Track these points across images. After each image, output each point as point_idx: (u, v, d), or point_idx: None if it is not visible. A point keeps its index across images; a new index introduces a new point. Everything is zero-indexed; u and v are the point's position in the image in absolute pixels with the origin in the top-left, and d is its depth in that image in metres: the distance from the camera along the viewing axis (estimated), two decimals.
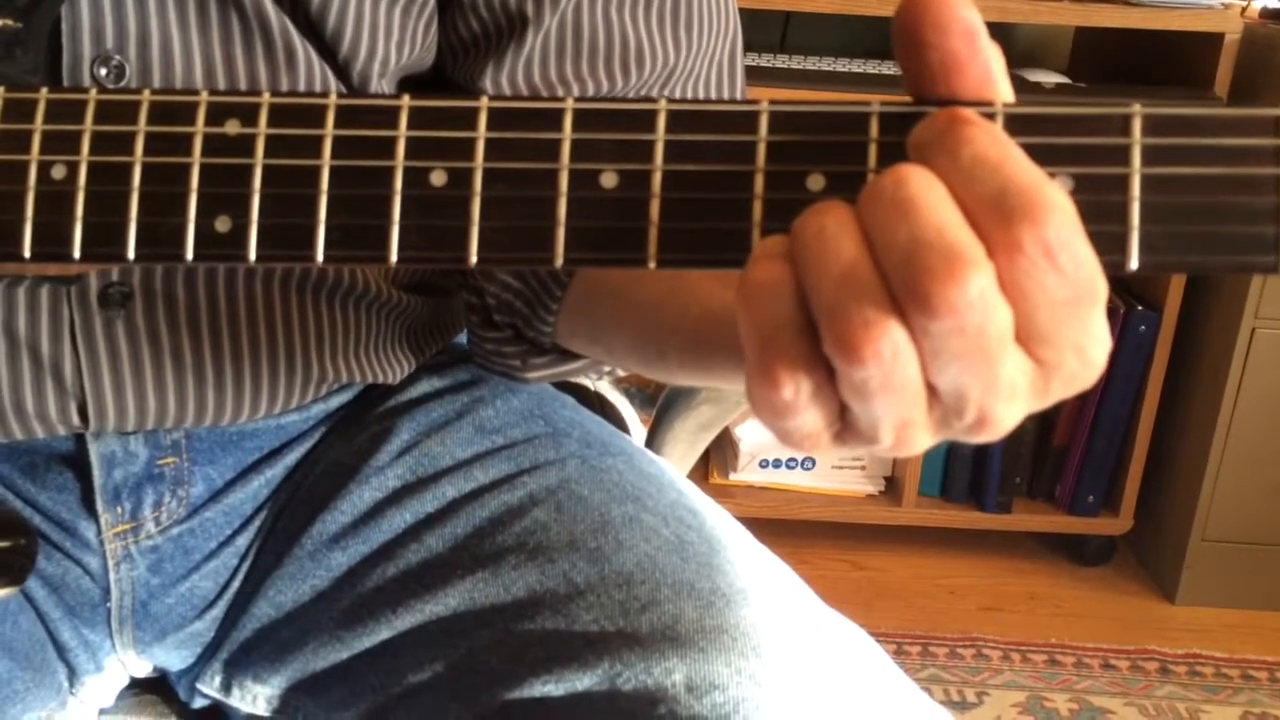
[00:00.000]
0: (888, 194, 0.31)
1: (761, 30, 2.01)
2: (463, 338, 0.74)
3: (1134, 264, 0.32)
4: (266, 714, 0.63)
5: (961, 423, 0.33)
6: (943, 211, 0.31)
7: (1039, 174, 0.31)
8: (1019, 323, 0.31)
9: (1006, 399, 0.32)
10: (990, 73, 0.33)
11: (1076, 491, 1.93)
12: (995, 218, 0.31)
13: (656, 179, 0.35)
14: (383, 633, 0.59)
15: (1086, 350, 0.32)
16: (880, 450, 0.34)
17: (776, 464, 1.97)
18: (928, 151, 0.32)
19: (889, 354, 0.31)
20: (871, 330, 0.31)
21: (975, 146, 0.31)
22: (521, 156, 0.35)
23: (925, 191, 0.31)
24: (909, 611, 1.86)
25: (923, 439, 0.33)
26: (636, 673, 0.50)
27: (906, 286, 0.30)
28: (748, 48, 2.04)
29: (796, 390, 0.32)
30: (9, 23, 0.49)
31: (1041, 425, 1.92)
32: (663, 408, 0.85)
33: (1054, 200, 0.30)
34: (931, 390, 0.32)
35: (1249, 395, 1.78)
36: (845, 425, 0.33)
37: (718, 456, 2.02)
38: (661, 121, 0.35)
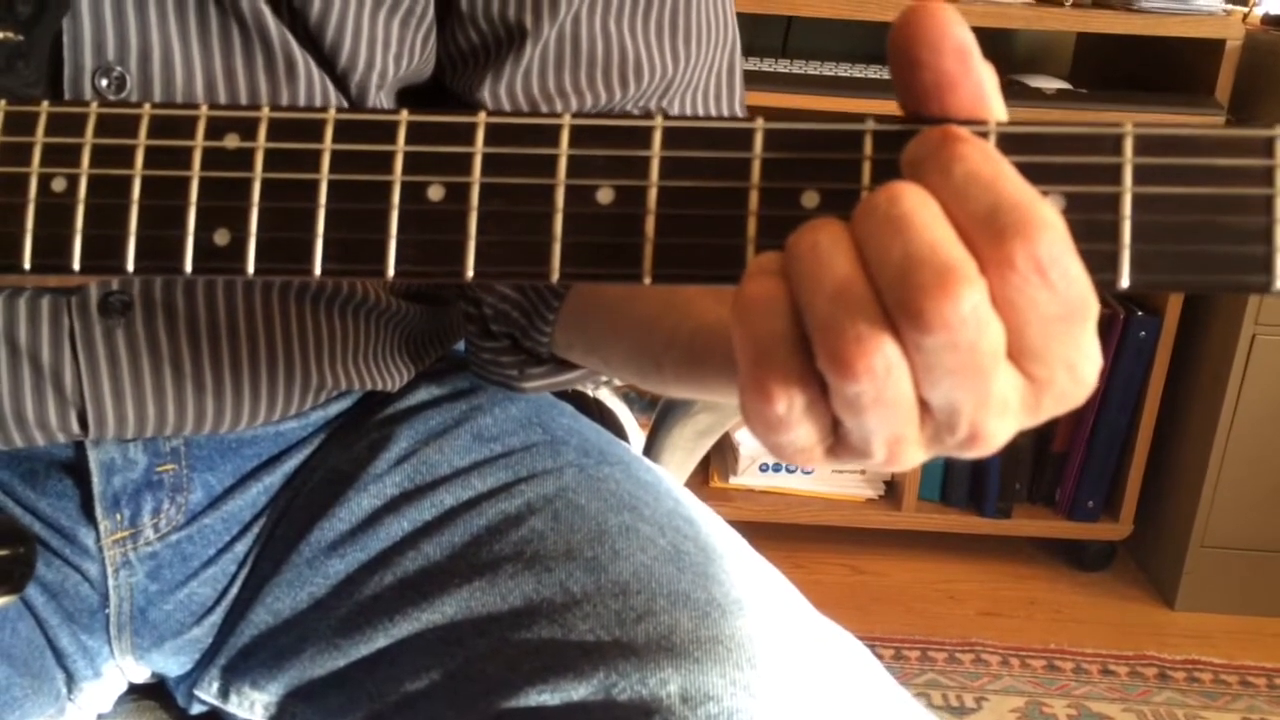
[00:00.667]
0: (881, 211, 0.31)
1: (763, 35, 2.02)
2: (461, 346, 0.74)
3: (1125, 282, 0.32)
4: None
5: (954, 438, 0.33)
6: (936, 228, 0.31)
7: (1031, 191, 0.31)
8: (1011, 339, 0.31)
9: (998, 415, 0.32)
10: (983, 92, 0.33)
11: (1076, 497, 1.93)
12: (988, 234, 0.31)
13: (652, 195, 0.35)
14: (380, 641, 0.59)
15: (1078, 367, 0.32)
16: (872, 464, 0.34)
17: (776, 468, 1.97)
18: (921, 168, 0.32)
19: (881, 369, 0.31)
20: (864, 345, 0.31)
21: (968, 163, 0.31)
22: (519, 172, 0.36)
23: (918, 208, 0.31)
24: (908, 616, 1.86)
25: (915, 454, 0.34)
26: (632, 683, 0.51)
27: (900, 302, 0.31)
28: (749, 52, 2.03)
29: (789, 405, 0.32)
30: (10, 35, 0.49)
31: (1041, 431, 1.92)
32: (661, 414, 0.85)
33: (1046, 217, 0.31)
34: (924, 406, 0.32)
35: (1249, 401, 1.78)
36: (838, 439, 0.34)
37: (718, 460, 2.02)
38: (658, 138, 0.35)
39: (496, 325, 0.63)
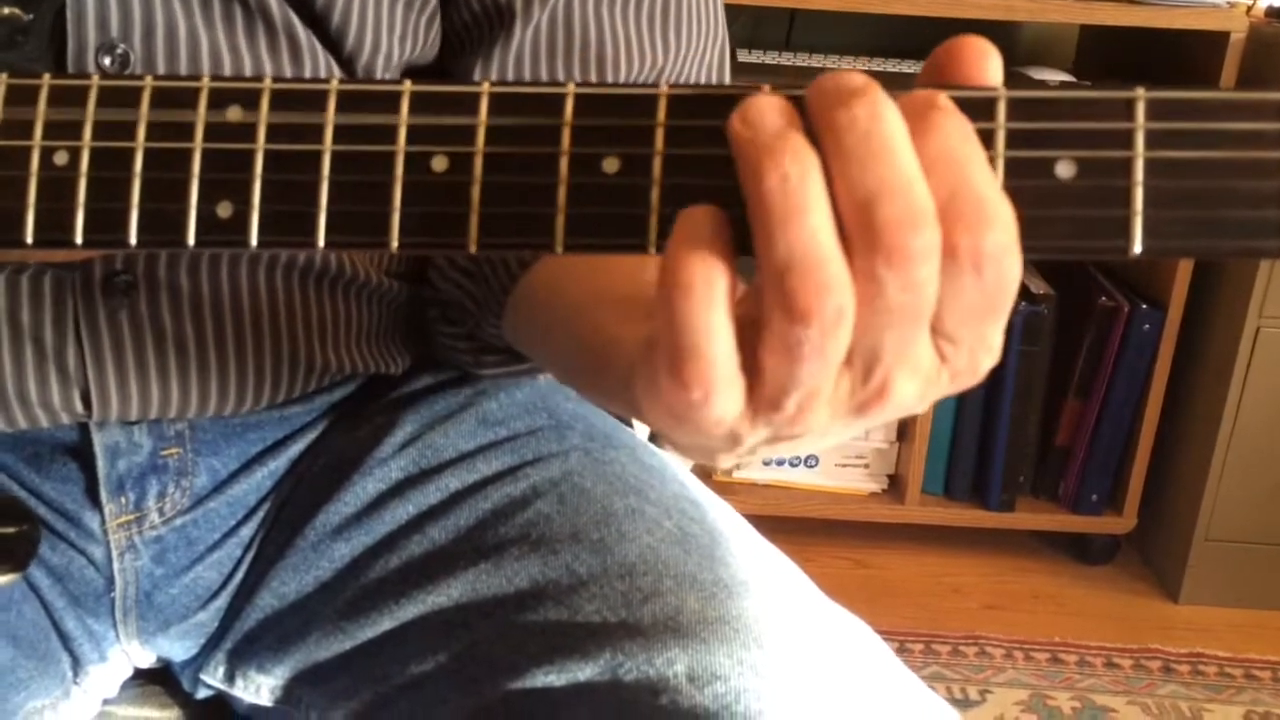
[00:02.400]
0: (861, 130, 0.31)
1: (767, 28, 2.01)
2: None
3: (1138, 248, 0.32)
4: (270, 704, 0.63)
5: (864, 390, 0.33)
6: (912, 164, 0.31)
7: (995, 184, 0.32)
8: (936, 312, 0.32)
9: (911, 373, 0.33)
10: None
11: (1080, 490, 1.93)
12: (941, 214, 0.31)
13: (657, 164, 0.35)
14: (385, 623, 0.59)
15: (978, 356, 0.34)
16: (780, 421, 0.33)
17: (780, 462, 1.97)
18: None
19: (833, 315, 0.31)
20: (826, 291, 0.31)
21: (944, 136, 0.31)
22: (523, 142, 0.35)
23: (900, 138, 0.31)
24: (912, 609, 1.85)
25: (819, 415, 0.33)
26: (638, 663, 0.50)
27: (870, 230, 0.30)
28: (753, 45, 2.02)
29: (705, 393, 0.32)
30: (15, 11, 0.49)
31: (1045, 423, 1.92)
32: None
33: (1001, 215, 0.31)
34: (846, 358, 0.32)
35: (1253, 394, 1.78)
36: (752, 396, 0.33)
37: None
38: (663, 106, 0.35)
39: (453, 313, 0.63)
